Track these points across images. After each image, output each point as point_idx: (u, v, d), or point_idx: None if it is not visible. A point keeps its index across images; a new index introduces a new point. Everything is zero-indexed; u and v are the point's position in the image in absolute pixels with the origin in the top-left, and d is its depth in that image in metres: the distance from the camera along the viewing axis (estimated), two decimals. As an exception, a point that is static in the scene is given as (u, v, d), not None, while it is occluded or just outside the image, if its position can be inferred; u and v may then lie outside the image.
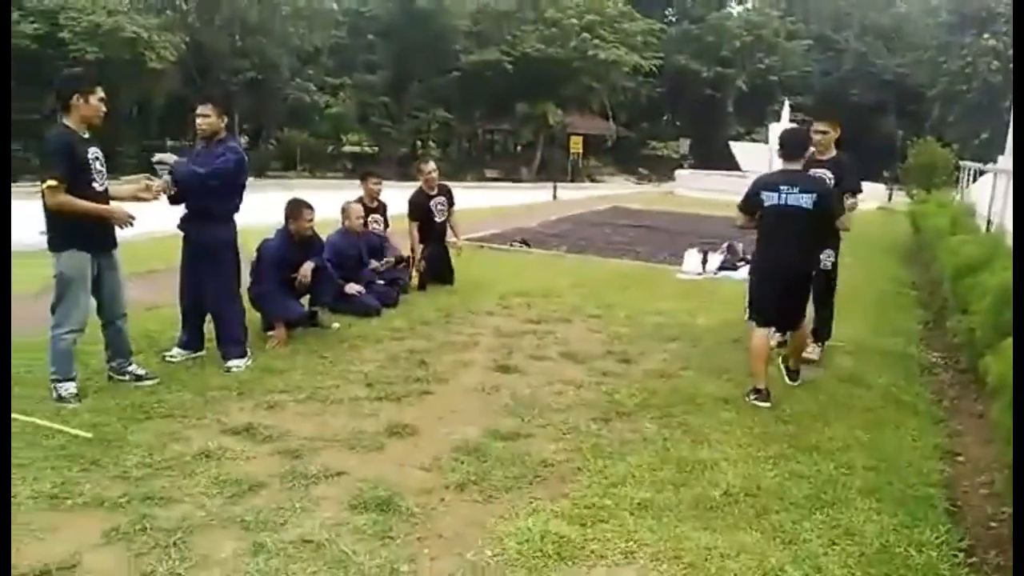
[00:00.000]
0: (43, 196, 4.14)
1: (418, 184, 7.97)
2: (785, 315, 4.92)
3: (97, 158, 4.27)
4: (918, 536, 3.10)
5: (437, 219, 7.87)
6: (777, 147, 4.96)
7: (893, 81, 46.54)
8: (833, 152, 5.52)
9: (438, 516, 3.15)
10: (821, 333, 5.68)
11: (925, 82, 42.34)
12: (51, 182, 4.06)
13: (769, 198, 4.68)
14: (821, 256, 5.34)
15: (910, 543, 3.04)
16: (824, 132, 5.47)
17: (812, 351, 5.52)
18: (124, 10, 31.10)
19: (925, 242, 11.55)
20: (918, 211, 15.15)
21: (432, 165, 8.01)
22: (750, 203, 4.81)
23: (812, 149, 5.36)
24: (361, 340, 5.76)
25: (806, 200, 4.60)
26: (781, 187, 4.66)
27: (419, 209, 7.79)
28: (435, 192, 7.88)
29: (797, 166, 4.85)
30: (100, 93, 4.26)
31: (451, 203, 8.03)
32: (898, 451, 4.01)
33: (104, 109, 4.31)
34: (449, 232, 8.11)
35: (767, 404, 4.58)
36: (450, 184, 8.35)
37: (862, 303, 7.72)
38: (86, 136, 4.24)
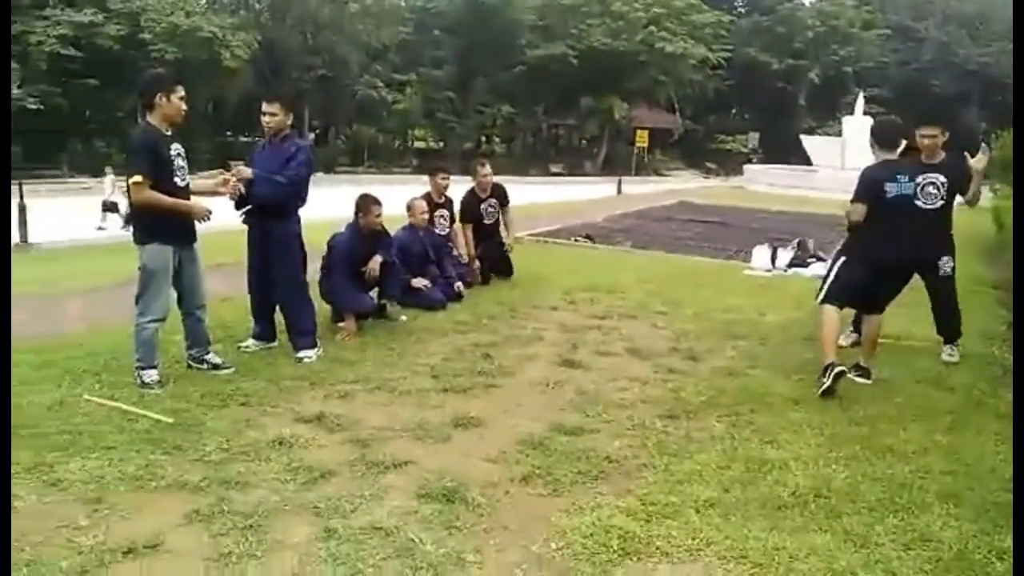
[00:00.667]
0: (128, 192, 4.33)
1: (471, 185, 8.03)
2: (872, 298, 5.03)
3: (179, 154, 4.44)
4: (999, 543, 2.98)
5: (487, 221, 7.94)
6: (870, 139, 5.04)
7: (977, 71, 44.66)
8: (942, 155, 5.34)
9: (503, 508, 3.18)
10: (955, 333, 5.64)
11: (1011, 72, 40.47)
12: (137, 179, 4.25)
13: (892, 189, 4.83)
14: (939, 263, 5.36)
15: (991, 550, 2.93)
16: (932, 136, 5.31)
17: (953, 353, 5.56)
18: (201, 11, 32.15)
19: (1008, 240, 11.05)
20: (1002, 207, 14.49)
21: (488, 168, 8.05)
22: (871, 195, 4.88)
23: (899, 149, 5.26)
24: (427, 333, 5.85)
25: (922, 189, 4.90)
26: (899, 177, 4.84)
27: (470, 211, 7.85)
28: (486, 194, 7.94)
29: (894, 155, 4.95)
30: (181, 92, 4.43)
31: (504, 203, 8.05)
32: (979, 456, 3.86)
33: (185, 108, 4.48)
34: (502, 230, 8.13)
35: (841, 368, 4.58)
36: (514, 179, 8.39)
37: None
38: (168, 133, 4.42)
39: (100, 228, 17.52)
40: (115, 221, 17.65)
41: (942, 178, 5.16)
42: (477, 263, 7.73)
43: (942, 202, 5.22)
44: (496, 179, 8.16)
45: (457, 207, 7.74)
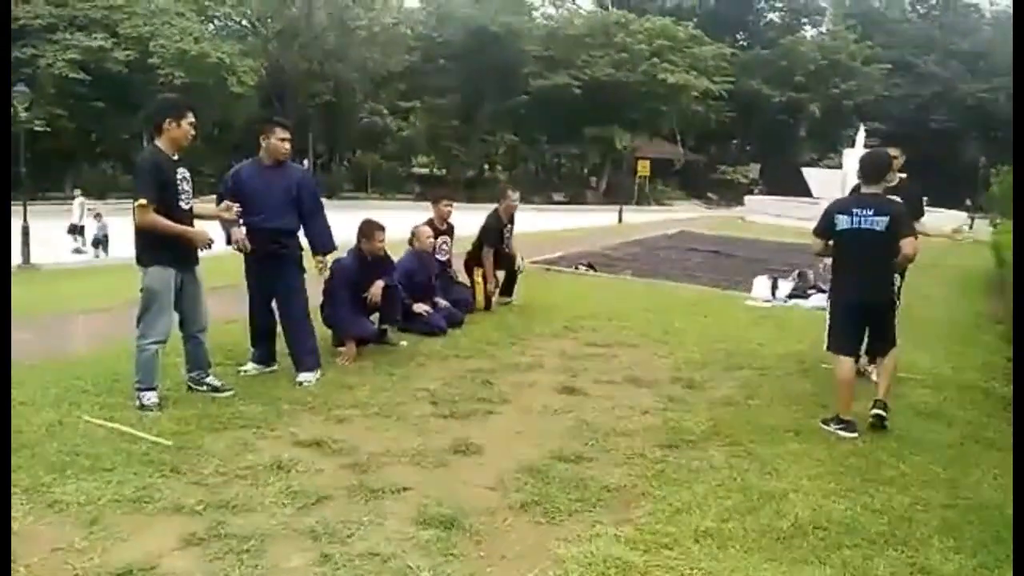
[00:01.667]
0: (134, 214, 4.37)
1: (494, 206, 8.08)
2: (871, 339, 4.80)
3: (184, 178, 4.49)
4: (1000, 579, 2.96)
5: (504, 248, 8.00)
6: (857, 170, 4.89)
7: (976, 106, 45.00)
8: (902, 177, 5.47)
9: (501, 535, 3.16)
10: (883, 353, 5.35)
11: (1011, 108, 40.79)
12: (142, 201, 4.29)
13: (841, 221, 4.60)
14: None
15: (991, 586, 2.91)
16: (894, 157, 5.34)
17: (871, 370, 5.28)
18: (209, 37, 32.52)
19: (1009, 275, 11.07)
20: (1002, 242, 14.54)
21: (518, 195, 8.16)
22: (824, 227, 4.73)
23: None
24: (427, 358, 5.85)
25: (880, 223, 4.50)
26: (854, 210, 4.58)
27: (495, 234, 7.89)
28: (507, 221, 8.01)
29: (876, 189, 4.74)
30: (191, 118, 4.49)
31: (511, 229, 8.16)
32: (978, 490, 3.84)
33: (193, 133, 4.54)
34: (516, 253, 8.18)
35: (854, 435, 4.46)
36: (518, 206, 8.45)
37: (942, 336, 7.45)
38: (175, 158, 4.46)
39: (78, 251, 17.60)
40: (78, 244, 17.75)
41: (896, 198, 5.04)
42: (492, 284, 7.78)
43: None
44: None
45: (460, 233, 7.79)
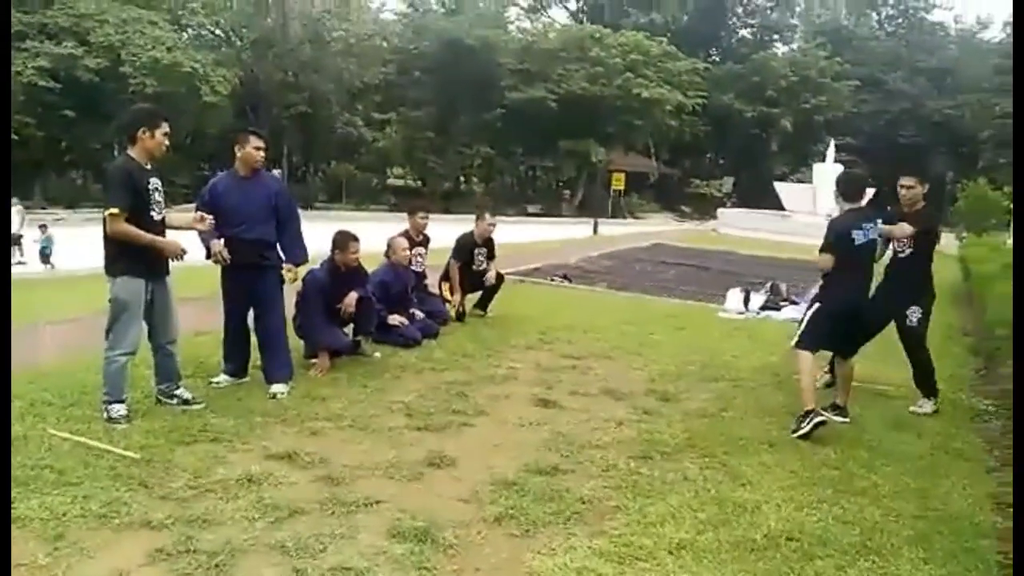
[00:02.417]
0: (104, 223, 4.30)
1: (471, 228, 8.12)
2: (844, 343, 5.15)
3: (156, 188, 4.43)
4: (969, 589, 3.00)
5: (475, 267, 8.01)
6: (835, 191, 5.21)
7: (943, 123, 45.92)
8: (920, 205, 5.47)
9: (475, 549, 3.14)
10: (927, 387, 5.53)
11: (977, 124, 41.66)
12: (113, 210, 4.22)
13: (858, 236, 4.95)
14: (908, 312, 5.43)
15: (960, 596, 2.95)
16: (911, 187, 5.45)
17: (924, 405, 5.46)
18: (182, 47, 32.21)
19: (975, 288, 11.27)
20: (969, 255, 14.81)
21: (494, 221, 8.20)
22: (837, 244, 4.99)
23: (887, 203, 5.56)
24: (402, 370, 5.81)
25: (874, 232, 5.05)
26: (863, 225, 4.97)
27: (464, 251, 7.97)
28: (481, 242, 8.04)
29: (860, 204, 5.14)
30: (165, 128, 4.44)
31: (491, 257, 8.14)
32: (948, 500, 3.89)
33: (167, 143, 4.49)
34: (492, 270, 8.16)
35: (822, 418, 4.68)
36: (494, 230, 8.40)
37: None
38: (148, 167, 4.41)
39: (20, 263, 17.06)
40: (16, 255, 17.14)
41: (909, 228, 5.30)
42: (458, 297, 7.80)
43: (910, 250, 5.36)
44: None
45: (435, 245, 7.78)
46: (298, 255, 5.19)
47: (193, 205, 5.11)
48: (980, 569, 3.16)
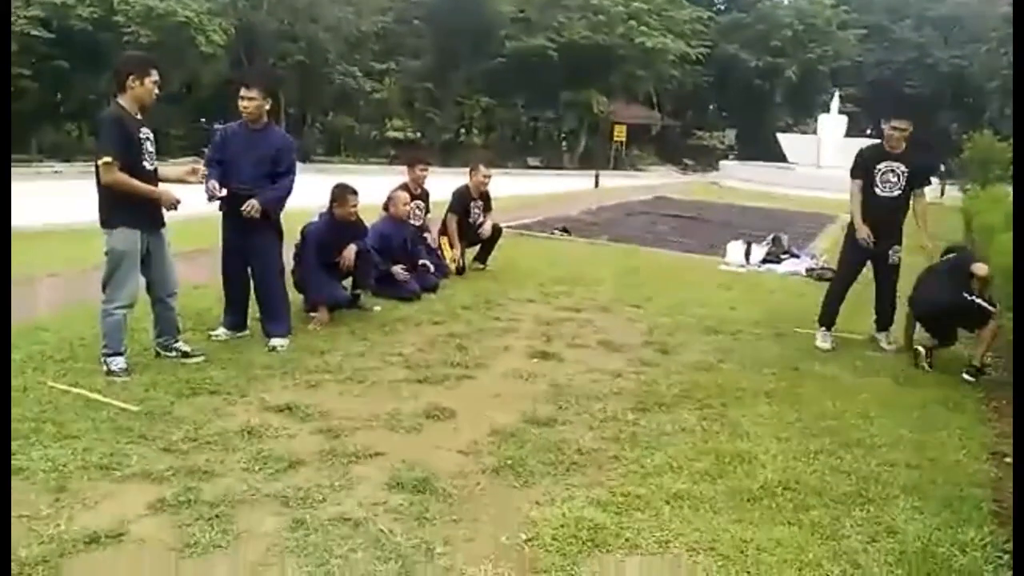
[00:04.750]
0: (97, 173, 4.25)
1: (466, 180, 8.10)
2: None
3: (148, 138, 4.37)
4: (962, 537, 3.03)
5: (470, 219, 8.00)
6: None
7: (950, 73, 45.21)
8: (903, 146, 5.66)
9: (474, 499, 3.17)
10: (888, 322, 5.90)
11: (984, 75, 40.99)
12: (106, 159, 4.16)
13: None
14: (890, 252, 5.68)
15: (953, 544, 2.98)
16: (904, 129, 5.62)
17: (891, 342, 5.82)
18: (177, -6, 31.52)
19: (977, 240, 11.21)
20: (971, 207, 14.69)
21: (490, 173, 8.18)
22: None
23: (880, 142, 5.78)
24: (401, 323, 5.81)
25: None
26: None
27: (459, 204, 7.97)
28: (476, 196, 8.03)
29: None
30: (155, 76, 4.35)
31: (487, 209, 8.14)
32: (944, 450, 3.92)
33: (157, 91, 4.40)
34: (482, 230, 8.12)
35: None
36: (493, 171, 8.45)
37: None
38: (138, 116, 4.33)
39: None
40: None
41: (903, 167, 5.43)
42: (457, 251, 7.80)
43: (899, 191, 5.48)
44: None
45: (435, 198, 7.72)
46: (270, 202, 4.95)
47: (191, 157, 5.04)
48: (974, 518, 3.19)
